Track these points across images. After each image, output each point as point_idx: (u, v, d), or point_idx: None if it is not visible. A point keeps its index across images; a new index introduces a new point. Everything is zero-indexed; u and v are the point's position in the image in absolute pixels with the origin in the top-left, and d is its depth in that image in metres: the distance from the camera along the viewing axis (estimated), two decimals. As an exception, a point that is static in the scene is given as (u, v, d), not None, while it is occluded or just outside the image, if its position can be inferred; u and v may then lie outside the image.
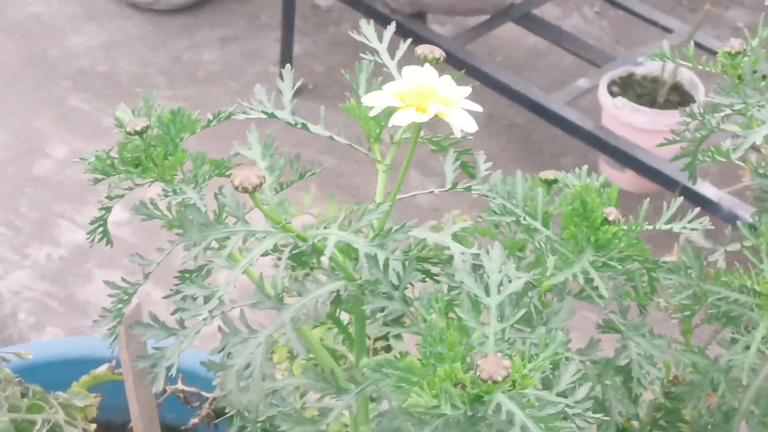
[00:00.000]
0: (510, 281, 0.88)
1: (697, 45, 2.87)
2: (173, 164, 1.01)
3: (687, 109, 1.13)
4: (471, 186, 1.03)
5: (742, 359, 0.98)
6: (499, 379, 0.82)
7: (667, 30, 3.06)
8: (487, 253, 0.90)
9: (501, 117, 3.30)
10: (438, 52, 1.03)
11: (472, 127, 0.92)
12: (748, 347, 1.01)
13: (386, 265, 0.89)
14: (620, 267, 0.98)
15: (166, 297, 1.09)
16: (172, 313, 1.06)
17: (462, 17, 3.15)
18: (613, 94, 2.78)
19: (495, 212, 1.03)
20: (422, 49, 1.03)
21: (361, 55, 1.08)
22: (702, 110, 1.10)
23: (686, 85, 2.79)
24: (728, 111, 1.03)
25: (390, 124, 0.90)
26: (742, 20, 3.72)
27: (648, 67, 2.84)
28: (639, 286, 1.08)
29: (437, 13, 3.05)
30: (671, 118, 2.70)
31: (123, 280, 1.06)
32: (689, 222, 1.01)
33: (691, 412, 1.13)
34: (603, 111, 2.79)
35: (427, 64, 0.97)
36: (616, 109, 2.72)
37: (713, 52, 2.97)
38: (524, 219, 1.03)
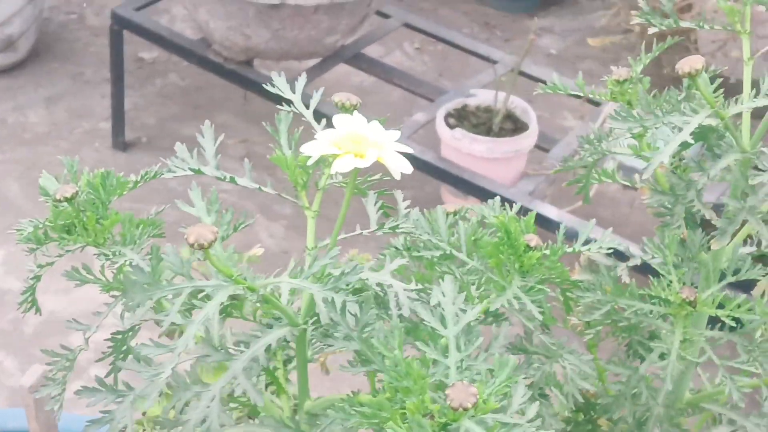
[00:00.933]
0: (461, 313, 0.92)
1: (522, 73, 3.01)
2: (106, 228, 1.02)
3: (584, 136, 1.20)
4: (397, 225, 1.07)
5: (664, 365, 1.05)
6: (469, 405, 0.86)
7: (490, 60, 3.17)
8: (440, 286, 0.94)
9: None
10: (354, 99, 1.08)
11: (408, 168, 0.96)
12: (663, 355, 1.08)
13: (343, 308, 0.93)
14: (548, 291, 1.04)
15: (101, 360, 1.10)
16: (107, 376, 1.07)
17: (295, 61, 3.20)
18: (450, 126, 2.87)
19: (415, 249, 1.08)
20: (339, 97, 1.07)
21: (278, 106, 1.11)
22: (595, 137, 1.18)
23: (518, 113, 2.91)
24: (626, 135, 1.11)
25: (332, 171, 0.94)
26: (555, 47, 3.89)
27: (480, 98, 2.95)
28: (547, 307, 1.15)
29: (271, 59, 3.09)
30: (507, 145, 2.81)
31: (62, 347, 1.06)
32: (602, 242, 1.08)
33: (608, 422, 1.19)
34: (442, 143, 2.88)
35: (359, 113, 1.01)
36: (455, 140, 2.81)
37: (538, 80, 3.10)
38: (450, 252, 1.07)
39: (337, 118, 1.00)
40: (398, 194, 1.11)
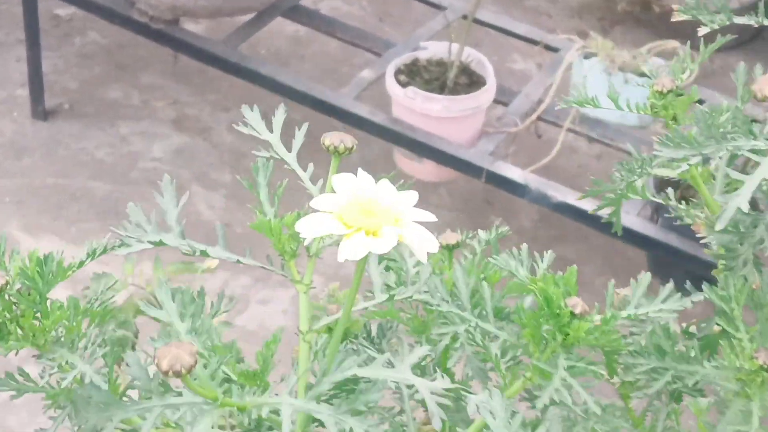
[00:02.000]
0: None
1: (477, 21, 2.79)
2: (47, 327, 0.80)
3: (623, 163, 1.00)
4: (411, 296, 0.86)
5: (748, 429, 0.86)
6: None
7: (438, 6, 2.95)
8: (488, 397, 0.74)
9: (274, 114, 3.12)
10: (350, 141, 0.86)
11: (434, 245, 0.75)
12: (745, 415, 0.89)
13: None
14: (602, 374, 0.84)
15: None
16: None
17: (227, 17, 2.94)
18: (401, 83, 2.65)
19: (444, 320, 0.87)
20: (331, 140, 0.86)
21: (254, 152, 0.89)
22: (640, 162, 0.98)
23: (474, 66, 2.70)
24: (683, 164, 0.91)
25: (341, 258, 0.73)
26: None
27: (431, 51, 2.73)
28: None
29: (201, 17, 2.83)
30: (465, 102, 2.60)
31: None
32: (663, 302, 0.88)
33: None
34: (393, 102, 2.66)
35: (365, 174, 0.79)
36: (407, 100, 2.59)
37: (490, 26, 2.89)
38: (476, 327, 0.87)
39: (337, 180, 0.78)
40: (406, 253, 0.90)
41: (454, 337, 0.93)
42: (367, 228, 0.74)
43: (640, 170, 0.96)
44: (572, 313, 0.86)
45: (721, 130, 0.88)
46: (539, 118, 2.65)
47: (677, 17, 0.94)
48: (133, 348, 1.18)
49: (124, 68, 3.24)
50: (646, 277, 1.03)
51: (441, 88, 2.65)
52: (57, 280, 0.81)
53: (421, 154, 2.62)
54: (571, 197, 2.48)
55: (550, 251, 0.94)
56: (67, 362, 0.78)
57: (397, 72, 2.69)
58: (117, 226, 0.84)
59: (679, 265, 2.50)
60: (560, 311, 0.86)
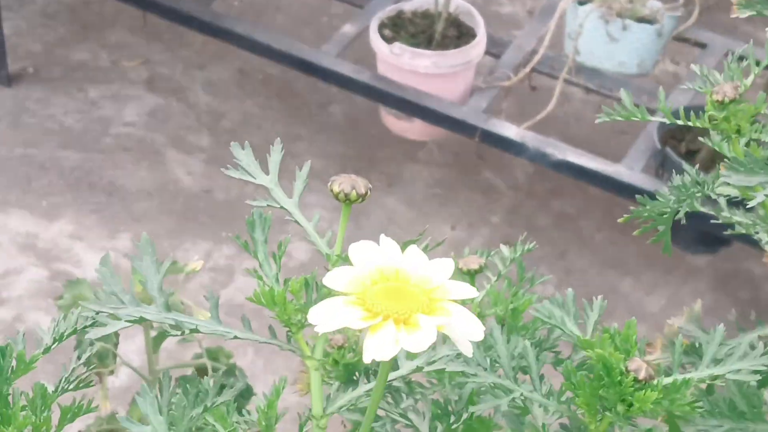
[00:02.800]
0: None
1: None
2: (12, 435, 0.66)
3: (676, 183, 0.86)
4: (443, 369, 0.72)
5: None
6: None
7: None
8: None
9: (254, 71, 2.96)
10: (363, 186, 0.72)
11: (479, 333, 0.61)
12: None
13: None
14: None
15: None
16: None
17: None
18: (385, 38, 2.49)
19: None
20: (341, 186, 0.72)
21: (248, 201, 0.75)
22: (691, 182, 0.84)
23: (463, 17, 2.54)
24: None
25: (367, 358, 0.59)
26: None
27: (417, 2, 2.56)
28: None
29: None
30: (455, 57, 2.44)
31: None
32: (741, 360, 0.74)
33: None
34: (378, 59, 2.51)
35: (389, 239, 0.65)
36: (394, 57, 2.44)
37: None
38: (522, 398, 0.74)
39: (354, 250, 0.64)
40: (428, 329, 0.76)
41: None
42: (396, 315, 0.60)
43: (699, 193, 0.82)
44: (636, 379, 0.73)
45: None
46: (533, 70, 2.50)
47: (737, 13, 0.80)
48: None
49: (90, 27, 3.06)
50: (698, 306, 0.90)
51: (428, 42, 2.50)
52: (17, 375, 0.67)
53: (411, 113, 2.47)
54: (570, 154, 2.34)
55: (600, 298, 0.80)
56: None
57: (381, 26, 2.53)
58: (89, 302, 0.70)
59: (687, 224, 2.37)
60: (621, 377, 0.72)
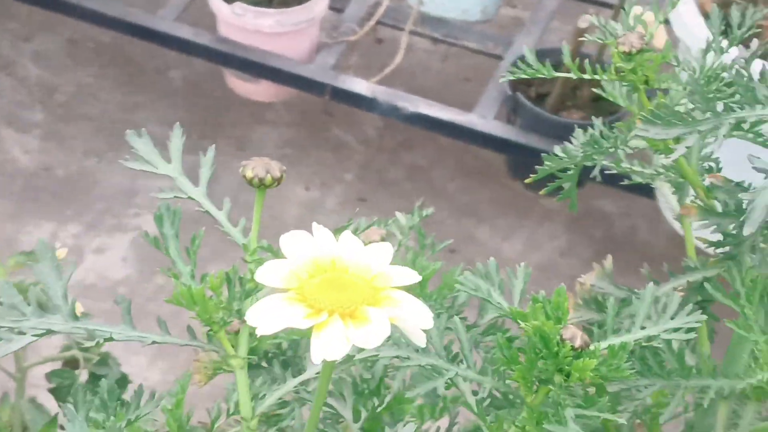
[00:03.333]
0: None
1: None
2: None
3: (590, 135, 0.83)
4: (377, 353, 0.68)
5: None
6: None
7: None
8: None
9: (85, 39, 2.84)
10: (277, 169, 0.67)
11: (429, 321, 0.57)
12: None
13: None
14: (621, 421, 0.69)
15: None
16: None
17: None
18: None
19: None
20: (254, 171, 0.67)
21: (154, 194, 0.69)
22: (612, 140, 0.81)
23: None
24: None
25: (316, 359, 0.54)
26: None
27: (253, -41, 2.49)
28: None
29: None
30: (299, 14, 2.39)
31: None
32: (673, 318, 0.72)
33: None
34: (219, 21, 2.43)
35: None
36: (235, 17, 2.37)
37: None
38: (455, 375, 0.70)
39: (286, 241, 0.59)
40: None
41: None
42: (341, 310, 0.56)
43: (612, 148, 0.80)
44: (572, 348, 0.71)
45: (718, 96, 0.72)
46: (378, 23, 2.46)
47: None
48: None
49: None
50: (609, 263, 0.89)
51: (269, 1, 2.43)
52: None
53: (257, 74, 2.41)
54: (423, 106, 2.32)
55: (523, 264, 0.77)
56: None
57: (218, -14, 2.45)
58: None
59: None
60: (558, 348, 0.70)
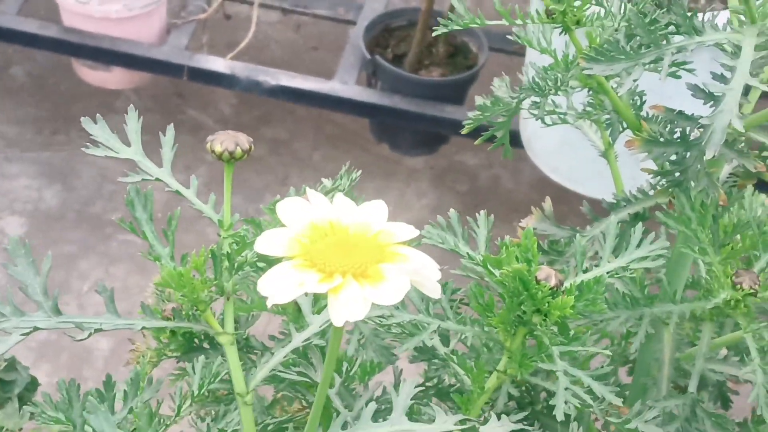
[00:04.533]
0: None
1: None
2: None
3: (530, 80, 0.84)
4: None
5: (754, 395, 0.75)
6: None
7: None
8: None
9: None
10: (245, 141, 0.66)
11: (437, 273, 0.58)
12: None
13: None
14: (608, 353, 0.70)
15: None
16: None
17: None
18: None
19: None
20: (223, 145, 0.66)
21: (121, 179, 0.67)
22: (553, 80, 0.82)
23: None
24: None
25: (338, 322, 0.54)
26: None
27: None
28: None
29: None
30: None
31: None
32: (638, 247, 0.74)
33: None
34: (62, 10, 2.36)
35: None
36: (81, 5, 2.30)
37: None
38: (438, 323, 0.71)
39: (282, 208, 0.59)
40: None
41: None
42: (353, 270, 0.56)
43: (552, 90, 0.81)
44: (550, 289, 0.72)
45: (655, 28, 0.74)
46: (226, -1, 2.43)
47: None
48: None
49: None
50: (548, 205, 0.91)
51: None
52: None
53: (110, 61, 2.36)
54: (284, 78, 2.31)
55: (483, 212, 0.78)
56: None
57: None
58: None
59: (405, 127, 2.40)
60: (536, 289, 0.71)
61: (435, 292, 0.57)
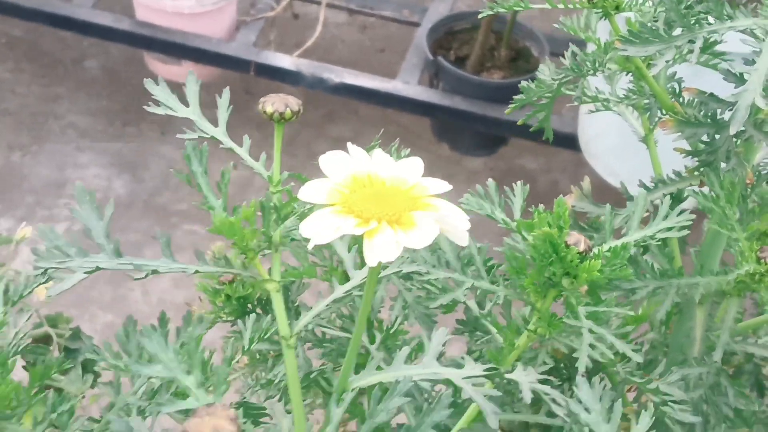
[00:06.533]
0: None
1: None
2: None
3: (573, 60, 0.88)
4: (400, 269, 0.73)
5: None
6: None
7: None
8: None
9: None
10: (295, 103, 0.71)
11: (466, 223, 0.62)
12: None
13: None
14: (630, 313, 0.74)
15: None
16: None
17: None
18: (141, -17, 2.43)
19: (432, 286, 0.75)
20: (274, 106, 0.71)
21: (179, 135, 0.73)
22: (592, 59, 0.86)
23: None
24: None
25: (372, 262, 0.59)
26: None
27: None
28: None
29: None
30: (219, -7, 2.41)
31: None
32: (665, 219, 0.78)
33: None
34: (137, 4, 2.44)
35: (354, 147, 0.65)
36: (154, 0, 2.38)
37: None
38: (474, 282, 0.75)
39: (325, 160, 0.64)
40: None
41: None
42: (388, 216, 0.61)
43: (591, 71, 0.85)
44: (578, 252, 0.76)
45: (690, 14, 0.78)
46: (295, -2, 2.50)
47: None
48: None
49: None
50: (586, 183, 0.95)
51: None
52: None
53: (180, 55, 2.43)
54: (348, 76, 2.36)
55: (520, 182, 0.83)
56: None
57: (135, -30, 2.46)
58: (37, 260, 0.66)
59: (465, 128, 2.44)
60: (565, 252, 0.75)
61: (463, 239, 0.62)
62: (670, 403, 0.76)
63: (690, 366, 0.85)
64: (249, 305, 1.02)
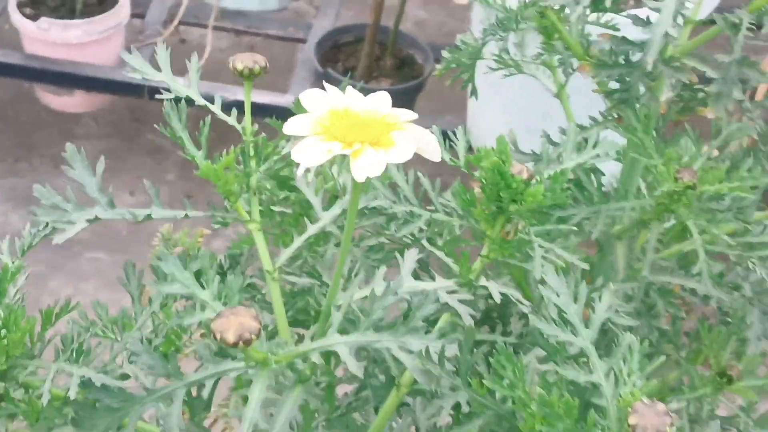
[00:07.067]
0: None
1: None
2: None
3: (492, 22, 0.97)
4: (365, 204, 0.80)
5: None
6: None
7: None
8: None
9: None
10: (262, 60, 0.79)
11: (436, 143, 0.70)
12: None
13: (441, 355, 0.67)
14: (575, 229, 0.83)
15: None
16: None
17: None
18: (27, 17, 2.46)
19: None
20: (243, 63, 0.79)
21: (158, 96, 0.79)
22: (514, 14, 0.95)
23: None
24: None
25: (361, 179, 0.66)
26: None
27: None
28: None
29: None
30: (104, 22, 2.46)
31: None
32: (594, 147, 0.87)
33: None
34: (24, 37, 2.47)
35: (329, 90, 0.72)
36: (41, 32, 2.42)
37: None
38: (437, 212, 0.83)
39: (305, 97, 0.71)
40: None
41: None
42: (369, 139, 0.68)
43: (515, 24, 0.94)
44: (524, 182, 0.84)
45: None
46: (181, 23, 2.56)
47: None
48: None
49: None
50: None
51: (71, 12, 2.49)
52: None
53: (73, 86, 2.46)
54: (241, 93, 2.43)
55: (461, 126, 0.91)
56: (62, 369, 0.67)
57: (20, 4, 2.49)
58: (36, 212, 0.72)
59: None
60: (512, 181, 0.84)
61: (435, 155, 0.70)
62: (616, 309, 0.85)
63: (621, 280, 0.94)
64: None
